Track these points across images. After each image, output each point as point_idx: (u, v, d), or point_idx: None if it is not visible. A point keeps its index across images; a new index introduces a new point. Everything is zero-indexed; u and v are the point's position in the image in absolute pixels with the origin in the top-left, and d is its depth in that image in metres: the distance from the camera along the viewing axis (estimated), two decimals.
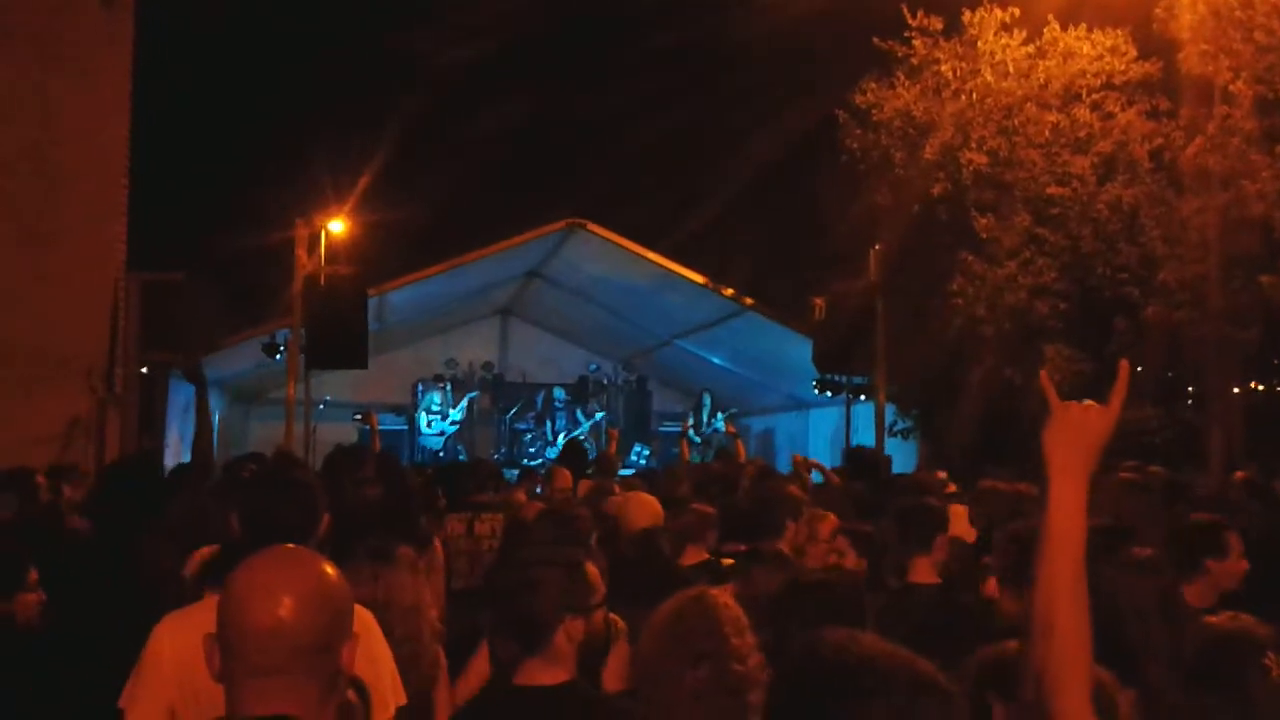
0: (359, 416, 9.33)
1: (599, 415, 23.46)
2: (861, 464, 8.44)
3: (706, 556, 5.37)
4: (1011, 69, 15.79)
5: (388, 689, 3.35)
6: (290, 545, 2.03)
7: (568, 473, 8.11)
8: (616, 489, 7.10)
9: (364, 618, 3.38)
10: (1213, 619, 2.93)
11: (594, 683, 3.66)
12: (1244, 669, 2.63)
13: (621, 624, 3.97)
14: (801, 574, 4.13)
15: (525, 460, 21.47)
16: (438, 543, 6.33)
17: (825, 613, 3.15)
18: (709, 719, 2.86)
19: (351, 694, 2.76)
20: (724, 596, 3.18)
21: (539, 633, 2.95)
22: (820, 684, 1.70)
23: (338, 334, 13.50)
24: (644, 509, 5.47)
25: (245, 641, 1.83)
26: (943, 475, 8.37)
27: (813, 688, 1.71)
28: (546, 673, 2.93)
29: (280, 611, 1.81)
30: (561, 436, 22.73)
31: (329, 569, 1.92)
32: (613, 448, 11.32)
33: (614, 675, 3.80)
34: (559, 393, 23.57)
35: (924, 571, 4.78)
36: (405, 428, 22.64)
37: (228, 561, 2.99)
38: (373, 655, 3.35)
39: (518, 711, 2.93)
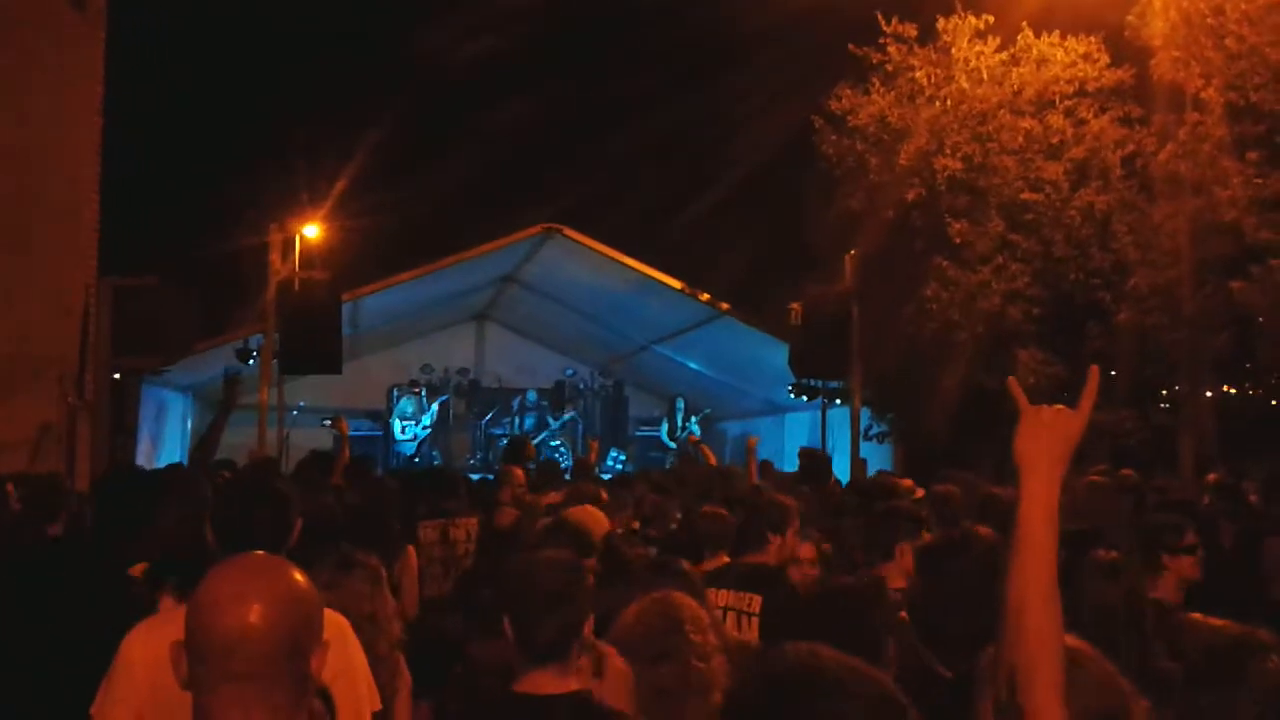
0: (328, 422, 9.27)
1: (569, 416, 23.44)
2: (813, 467, 8.39)
3: (727, 560, 5.30)
4: (985, 75, 15.87)
5: (363, 695, 3.35)
6: (260, 552, 2.02)
7: (519, 470, 8.07)
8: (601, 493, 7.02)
9: (340, 624, 3.38)
10: (1214, 621, 2.95)
11: None
12: (1249, 670, 2.65)
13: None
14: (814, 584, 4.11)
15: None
16: (411, 550, 6.31)
17: (843, 625, 3.16)
18: (670, 716, 2.86)
19: (317, 702, 2.74)
20: (686, 598, 3.18)
21: (568, 643, 2.93)
22: (779, 697, 1.69)
23: (312, 339, 13.43)
24: (589, 518, 5.40)
25: (214, 648, 1.81)
26: (909, 483, 8.34)
27: (772, 701, 1.70)
28: (556, 682, 2.88)
29: (250, 618, 1.80)
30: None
31: (298, 575, 1.91)
32: (593, 456, 11.30)
33: None
34: (531, 396, 23.55)
35: (892, 578, 4.78)
36: (380, 433, 22.58)
37: (195, 570, 2.98)
38: (349, 661, 3.35)
39: None
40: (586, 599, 2.99)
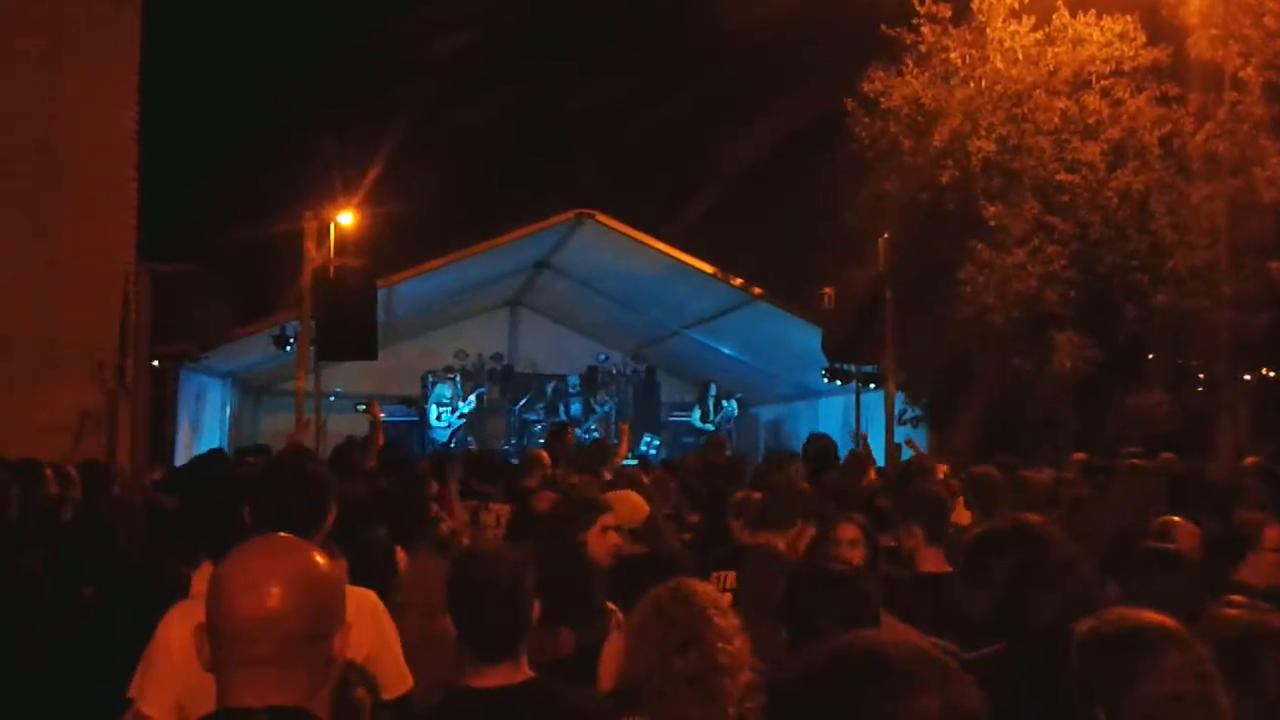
0: (362, 407, 9.36)
1: (601, 409, 23.48)
2: (815, 453, 8.28)
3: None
4: (1020, 56, 15.73)
5: (393, 674, 3.39)
6: (281, 534, 2.01)
7: (544, 454, 8.10)
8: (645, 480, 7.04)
9: (372, 602, 3.42)
10: (1229, 611, 2.88)
11: (592, 674, 3.67)
12: (1260, 663, 2.60)
13: (620, 616, 3.97)
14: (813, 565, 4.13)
15: None
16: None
17: (843, 605, 3.16)
18: (704, 701, 2.86)
19: (362, 692, 2.77)
20: (702, 583, 3.19)
21: (519, 638, 2.90)
22: (856, 683, 1.61)
23: (347, 325, 13.51)
24: (625, 505, 5.39)
25: (233, 632, 1.82)
26: (944, 468, 8.27)
27: (847, 687, 1.62)
28: (509, 673, 2.87)
29: (269, 602, 1.80)
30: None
31: (319, 558, 1.91)
32: (624, 440, 11.31)
33: (607, 665, 3.79)
34: (573, 380, 23.62)
35: (935, 561, 4.78)
36: (415, 419, 22.69)
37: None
38: (383, 638, 3.40)
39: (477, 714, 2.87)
40: (532, 590, 2.96)
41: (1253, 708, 2.49)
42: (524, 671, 2.90)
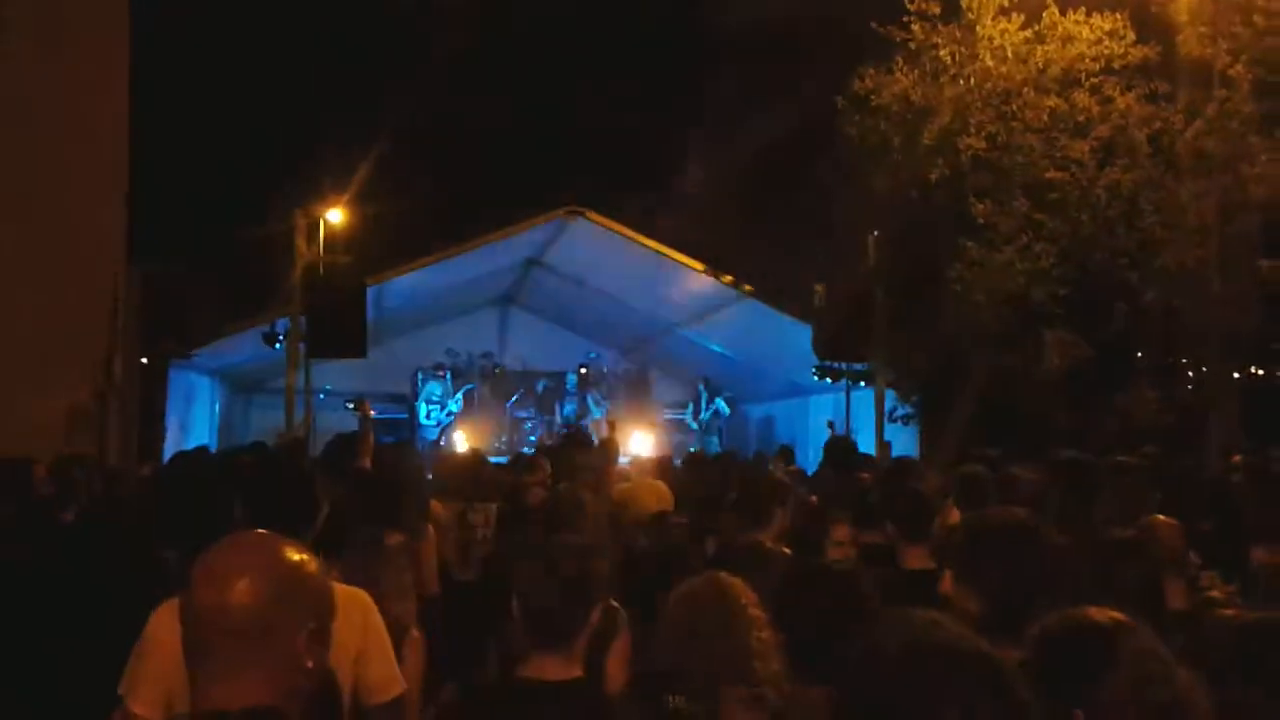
0: (351, 404, 9.37)
1: (600, 410, 23.46)
2: (838, 455, 8.36)
3: None
4: (1010, 53, 15.73)
5: (381, 676, 3.37)
6: (258, 530, 1.99)
7: (545, 462, 8.10)
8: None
9: (363, 602, 3.41)
10: (1239, 611, 2.88)
11: (597, 673, 3.66)
12: (1265, 658, 2.58)
13: (624, 613, 3.97)
14: (797, 563, 4.14)
15: (526, 449, 21.48)
16: (431, 529, 6.34)
17: (831, 601, 3.18)
18: (740, 687, 2.90)
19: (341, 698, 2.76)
20: (733, 577, 3.22)
21: (574, 629, 2.91)
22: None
23: (337, 323, 13.52)
24: (653, 494, 5.41)
25: (199, 623, 1.81)
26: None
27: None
28: (558, 667, 2.87)
29: (229, 594, 1.79)
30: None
31: (292, 555, 1.88)
32: (613, 434, 11.33)
33: (618, 665, 3.79)
34: (571, 379, 23.59)
35: (917, 558, 4.79)
36: (405, 417, 22.67)
37: None
38: (375, 639, 3.38)
39: (528, 706, 2.86)
40: (598, 585, 3.00)
41: (1274, 704, 2.48)
42: (575, 668, 2.91)
